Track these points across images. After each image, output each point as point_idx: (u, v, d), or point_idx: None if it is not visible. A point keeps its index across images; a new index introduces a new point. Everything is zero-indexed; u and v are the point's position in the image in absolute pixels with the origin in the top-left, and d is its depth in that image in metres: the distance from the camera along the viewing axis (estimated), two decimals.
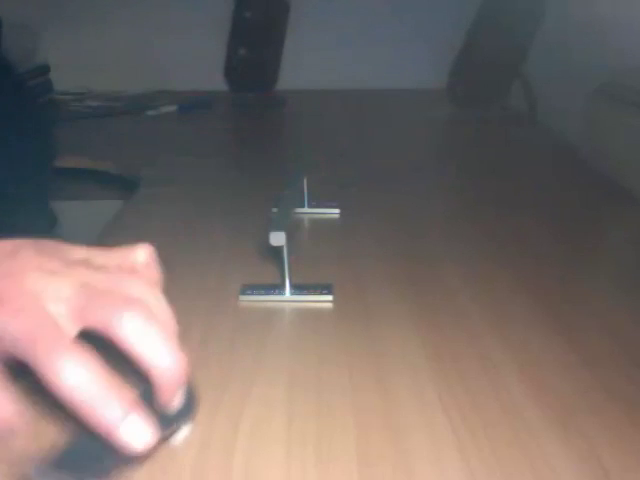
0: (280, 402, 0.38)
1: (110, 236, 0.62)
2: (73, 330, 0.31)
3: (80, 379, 0.29)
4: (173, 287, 0.51)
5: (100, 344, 0.31)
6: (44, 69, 1.22)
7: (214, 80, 1.27)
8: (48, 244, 0.35)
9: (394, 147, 0.94)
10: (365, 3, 1.30)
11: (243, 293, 0.50)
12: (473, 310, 0.48)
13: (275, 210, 0.52)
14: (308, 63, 1.29)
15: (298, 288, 0.50)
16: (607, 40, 0.89)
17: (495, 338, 0.45)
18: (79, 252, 0.35)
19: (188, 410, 0.34)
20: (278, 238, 0.46)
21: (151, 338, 0.31)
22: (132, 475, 0.32)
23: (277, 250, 0.48)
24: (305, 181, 0.62)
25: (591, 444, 0.35)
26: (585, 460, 0.34)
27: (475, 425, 0.36)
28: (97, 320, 0.31)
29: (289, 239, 0.46)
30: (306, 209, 0.66)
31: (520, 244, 0.60)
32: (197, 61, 1.29)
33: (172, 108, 1.17)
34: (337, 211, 0.66)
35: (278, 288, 0.50)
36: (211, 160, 0.84)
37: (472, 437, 0.35)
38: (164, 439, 0.32)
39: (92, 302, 0.32)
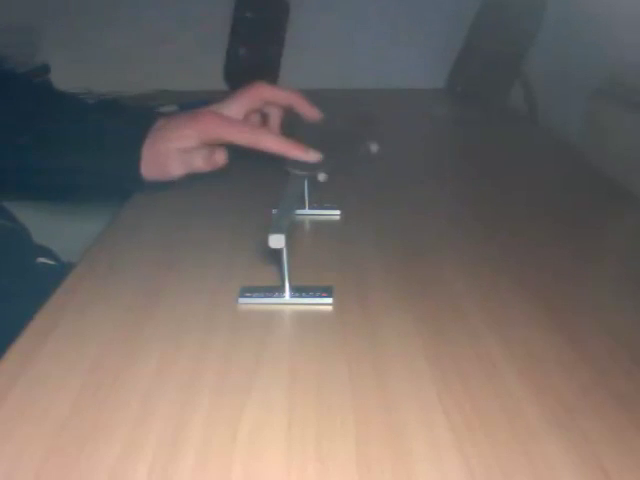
0: (280, 404, 0.38)
1: (110, 236, 0.62)
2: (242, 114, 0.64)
3: (276, 140, 0.60)
4: (171, 289, 0.52)
5: None
6: (44, 69, 1.22)
7: (214, 80, 1.27)
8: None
9: (394, 147, 0.94)
10: (365, 3, 1.30)
11: (242, 295, 0.49)
12: (473, 311, 0.48)
13: (275, 212, 0.52)
14: (308, 63, 1.29)
15: (298, 291, 0.50)
16: (607, 40, 0.89)
17: (495, 338, 0.45)
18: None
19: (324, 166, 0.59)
20: (277, 240, 0.45)
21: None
22: (133, 477, 0.33)
23: (277, 252, 0.48)
24: (306, 182, 0.62)
25: (591, 444, 0.35)
26: (585, 460, 0.34)
27: (475, 425, 0.36)
28: (258, 98, 0.65)
29: (289, 241, 0.46)
30: (307, 210, 0.66)
31: (520, 244, 0.60)
32: (197, 61, 1.29)
33: (172, 108, 1.17)
34: (338, 212, 0.66)
35: (278, 291, 0.50)
36: None
37: (472, 437, 0.35)
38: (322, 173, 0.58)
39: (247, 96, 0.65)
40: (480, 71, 1.19)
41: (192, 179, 0.65)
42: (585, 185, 0.78)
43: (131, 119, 0.65)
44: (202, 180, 0.65)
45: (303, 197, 0.65)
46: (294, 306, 0.49)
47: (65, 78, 1.20)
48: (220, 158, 0.63)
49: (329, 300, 0.49)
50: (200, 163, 0.63)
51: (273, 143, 0.60)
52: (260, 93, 0.65)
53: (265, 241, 0.45)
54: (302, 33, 1.27)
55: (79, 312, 0.48)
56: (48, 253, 0.78)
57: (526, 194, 0.74)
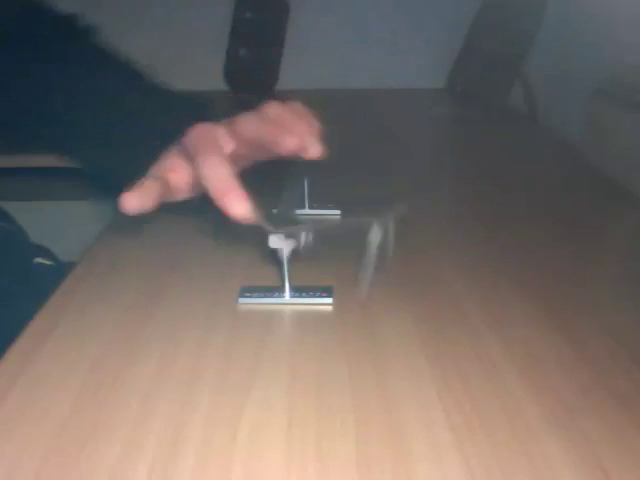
0: (280, 403, 0.38)
1: (110, 236, 0.62)
2: (229, 143, 0.46)
3: (212, 172, 0.42)
4: (171, 289, 0.52)
5: None
6: None
7: (214, 80, 1.27)
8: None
9: (395, 147, 0.94)
10: (365, 3, 1.30)
11: (242, 295, 0.49)
12: (473, 310, 0.48)
13: (275, 211, 0.52)
14: (308, 63, 1.29)
15: (298, 291, 0.50)
16: (607, 40, 0.89)
17: (495, 338, 0.45)
18: None
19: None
20: (277, 240, 0.46)
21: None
22: (133, 477, 0.33)
23: (277, 252, 0.48)
24: (306, 182, 0.62)
25: (591, 444, 0.35)
26: (585, 460, 0.34)
27: (475, 425, 0.36)
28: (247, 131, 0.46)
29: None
30: (307, 210, 0.66)
31: (520, 244, 0.60)
32: (197, 61, 1.29)
33: None
34: (338, 212, 0.66)
35: (278, 291, 0.50)
36: None
37: (472, 437, 0.35)
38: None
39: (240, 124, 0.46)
40: (480, 71, 1.19)
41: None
42: (585, 185, 0.78)
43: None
44: None
45: (303, 197, 0.65)
46: (294, 306, 0.49)
47: None
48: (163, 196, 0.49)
49: (329, 300, 0.49)
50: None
51: (210, 179, 0.43)
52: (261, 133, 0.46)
53: (265, 241, 0.45)
54: (302, 33, 1.27)
55: (79, 312, 0.48)
56: (45, 253, 0.78)
57: (526, 194, 0.74)
